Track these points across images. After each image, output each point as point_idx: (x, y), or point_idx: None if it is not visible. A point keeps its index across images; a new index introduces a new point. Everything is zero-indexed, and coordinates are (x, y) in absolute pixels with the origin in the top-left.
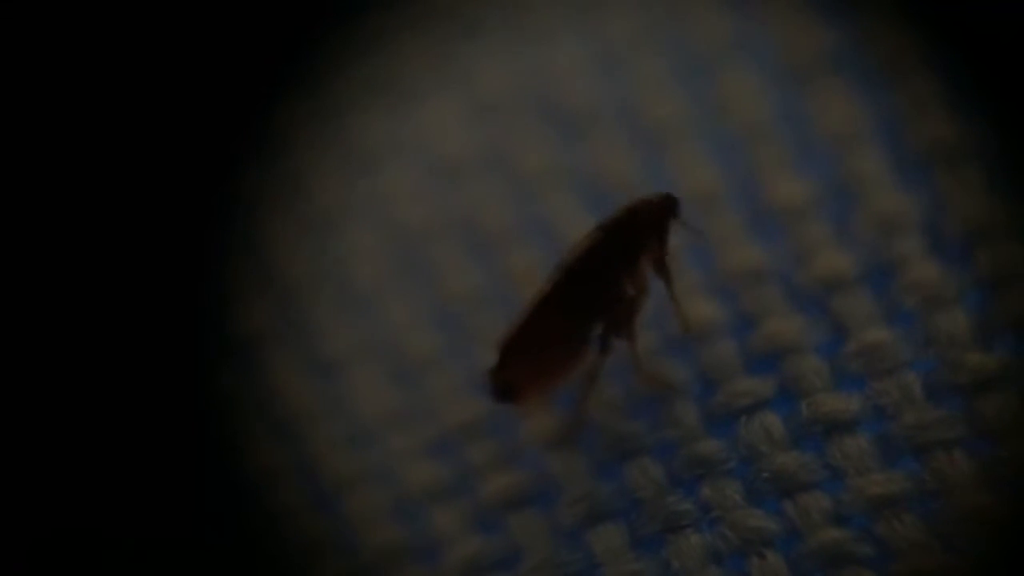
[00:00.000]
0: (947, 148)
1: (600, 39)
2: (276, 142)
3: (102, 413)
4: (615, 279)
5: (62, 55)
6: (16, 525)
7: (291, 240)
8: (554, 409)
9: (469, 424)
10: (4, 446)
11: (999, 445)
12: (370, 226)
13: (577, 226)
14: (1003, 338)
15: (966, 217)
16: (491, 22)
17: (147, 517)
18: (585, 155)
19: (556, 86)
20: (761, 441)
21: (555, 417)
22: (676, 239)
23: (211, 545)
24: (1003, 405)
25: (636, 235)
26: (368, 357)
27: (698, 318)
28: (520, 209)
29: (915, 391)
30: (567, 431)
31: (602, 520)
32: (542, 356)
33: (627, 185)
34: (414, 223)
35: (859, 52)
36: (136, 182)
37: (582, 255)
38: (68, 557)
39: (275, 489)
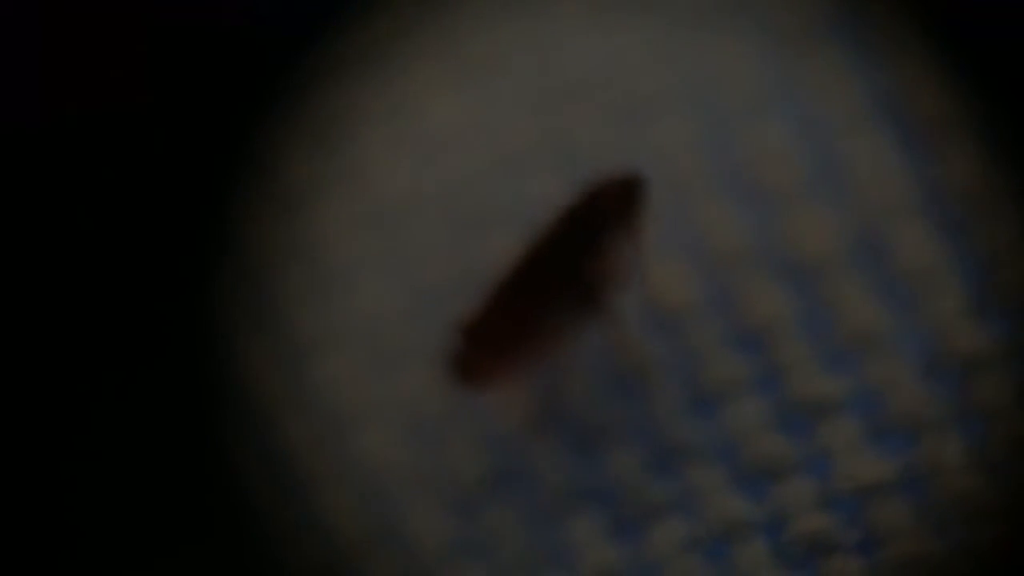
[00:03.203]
0: (944, 123)
1: (592, 6)
2: (245, 116)
3: (70, 409)
4: (580, 263)
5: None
6: (9, 530)
7: (262, 219)
8: (529, 393)
9: (445, 409)
10: None
11: (992, 427)
12: (346, 203)
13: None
14: (998, 317)
15: (962, 194)
16: None
17: (122, 510)
18: (572, 129)
19: (545, 55)
20: (745, 425)
21: (531, 402)
22: (663, 216)
23: (189, 537)
24: (997, 386)
25: (601, 217)
26: (341, 341)
27: (681, 299)
28: (503, 185)
29: (906, 372)
30: (543, 415)
31: (579, 506)
32: (506, 340)
33: (614, 161)
34: (392, 198)
35: (859, 24)
36: (108, 166)
37: (540, 240)
38: (45, 554)
39: (247, 479)
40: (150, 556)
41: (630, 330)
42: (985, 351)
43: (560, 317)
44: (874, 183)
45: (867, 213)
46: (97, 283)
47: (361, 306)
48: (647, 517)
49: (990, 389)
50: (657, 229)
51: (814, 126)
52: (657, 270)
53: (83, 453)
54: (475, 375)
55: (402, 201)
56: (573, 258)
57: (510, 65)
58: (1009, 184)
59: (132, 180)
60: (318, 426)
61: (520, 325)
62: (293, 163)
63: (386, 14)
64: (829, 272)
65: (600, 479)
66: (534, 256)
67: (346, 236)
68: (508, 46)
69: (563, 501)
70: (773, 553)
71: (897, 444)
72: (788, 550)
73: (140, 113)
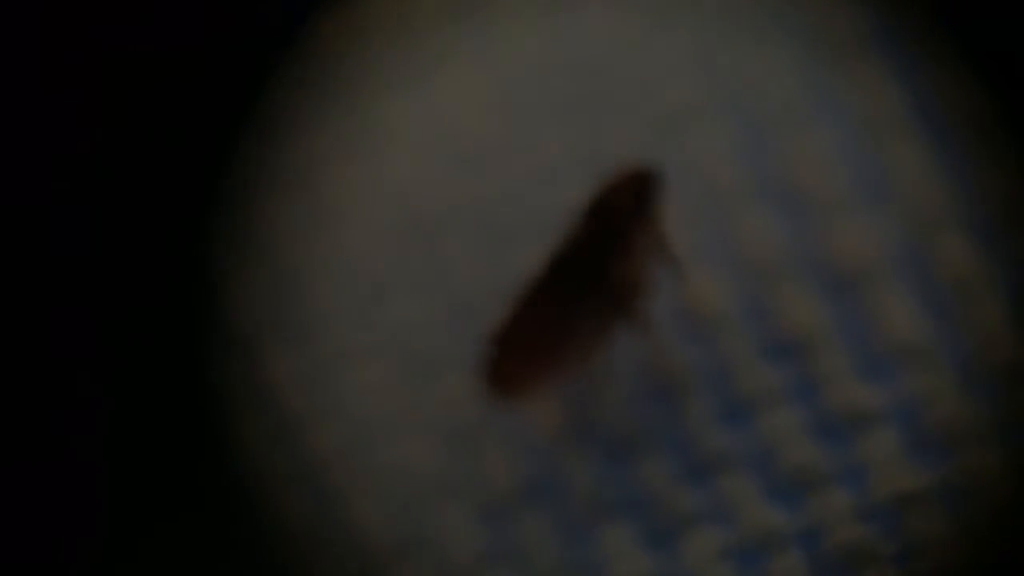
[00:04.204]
0: (986, 130)
1: (625, 14)
2: (278, 124)
3: (93, 412)
4: (604, 264)
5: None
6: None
7: (295, 229)
8: (563, 402)
9: (477, 419)
10: None
11: None
12: (380, 216)
13: None
14: None
15: (1005, 202)
16: None
17: (143, 515)
18: (605, 137)
19: (577, 64)
20: (781, 435)
21: (565, 411)
22: (696, 224)
23: (211, 547)
24: None
25: (614, 215)
26: (374, 351)
27: (718, 307)
28: (536, 195)
29: (946, 383)
30: (577, 425)
31: (612, 516)
32: (538, 347)
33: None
34: (425, 210)
35: (896, 32)
36: (133, 169)
37: (563, 244)
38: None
39: (276, 488)
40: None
41: (665, 339)
42: None
43: (591, 323)
44: (915, 192)
45: (908, 222)
46: (128, 283)
47: (395, 317)
48: (681, 527)
49: None
50: (694, 238)
51: (854, 134)
52: (694, 279)
53: (104, 458)
54: (508, 383)
55: (435, 213)
56: (597, 259)
57: (543, 74)
58: None
59: (165, 185)
60: (351, 435)
61: (552, 332)
62: (328, 177)
63: (416, 27)
64: (868, 282)
65: (633, 489)
66: (560, 261)
67: (380, 248)
68: (541, 55)
69: (596, 511)
70: (809, 564)
71: (936, 455)
72: (824, 561)
73: (166, 118)
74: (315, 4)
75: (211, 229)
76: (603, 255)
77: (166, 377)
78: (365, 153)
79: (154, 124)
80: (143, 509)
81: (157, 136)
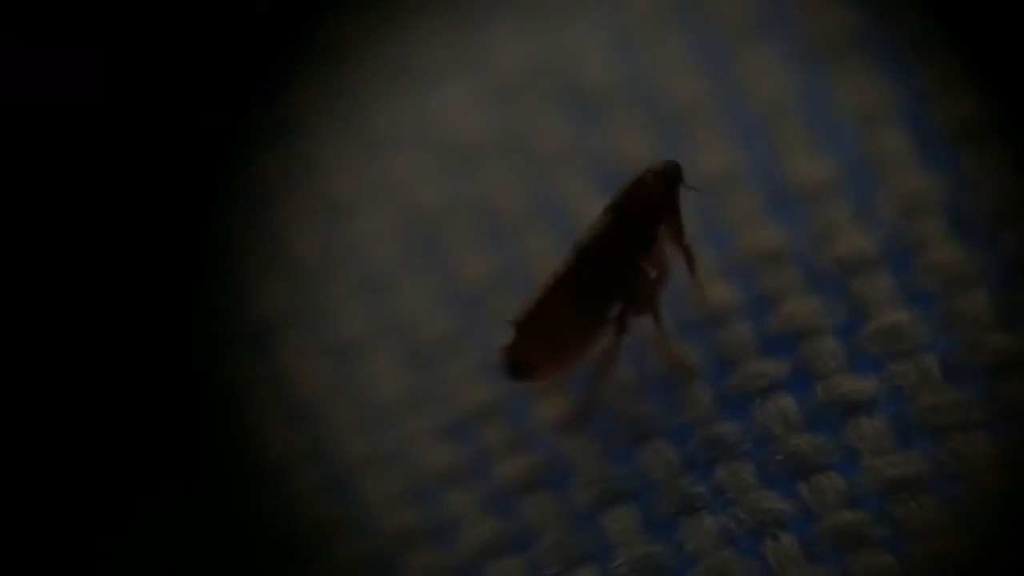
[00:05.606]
0: (972, 127)
1: (619, 18)
2: (289, 124)
3: (113, 402)
4: (631, 259)
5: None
6: (22, 522)
7: (305, 224)
8: (568, 391)
9: (483, 407)
10: (7, 437)
11: (1020, 427)
12: (385, 210)
13: (594, 208)
14: None
15: (990, 197)
16: (508, 1)
17: (158, 503)
18: (603, 137)
19: (574, 67)
20: (776, 423)
21: (570, 399)
22: (694, 219)
23: (225, 530)
24: None
25: (647, 208)
26: (383, 340)
27: (715, 300)
28: (536, 191)
29: (933, 372)
30: (581, 413)
31: (616, 502)
32: (557, 336)
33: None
34: (429, 206)
35: (883, 30)
36: (146, 165)
37: (595, 235)
38: (75, 547)
39: (289, 473)
40: (192, 549)
41: (669, 329)
42: (1012, 352)
43: (605, 315)
44: (903, 185)
45: (897, 214)
46: (140, 282)
47: (400, 306)
48: (682, 512)
49: (1017, 390)
50: (693, 231)
51: (844, 129)
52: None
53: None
54: (523, 368)
55: (439, 209)
56: (622, 256)
57: (541, 76)
58: None
59: (175, 186)
60: (360, 421)
61: (569, 320)
62: (336, 174)
63: (418, 32)
64: (857, 272)
65: (637, 475)
66: (585, 252)
67: (386, 242)
68: (538, 57)
69: (600, 496)
70: (804, 547)
71: (925, 442)
72: (818, 544)
73: (180, 116)
74: (323, 6)
75: (226, 226)
76: (630, 248)
77: (182, 366)
78: (371, 152)
79: (166, 124)
80: (157, 495)
81: (170, 135)
